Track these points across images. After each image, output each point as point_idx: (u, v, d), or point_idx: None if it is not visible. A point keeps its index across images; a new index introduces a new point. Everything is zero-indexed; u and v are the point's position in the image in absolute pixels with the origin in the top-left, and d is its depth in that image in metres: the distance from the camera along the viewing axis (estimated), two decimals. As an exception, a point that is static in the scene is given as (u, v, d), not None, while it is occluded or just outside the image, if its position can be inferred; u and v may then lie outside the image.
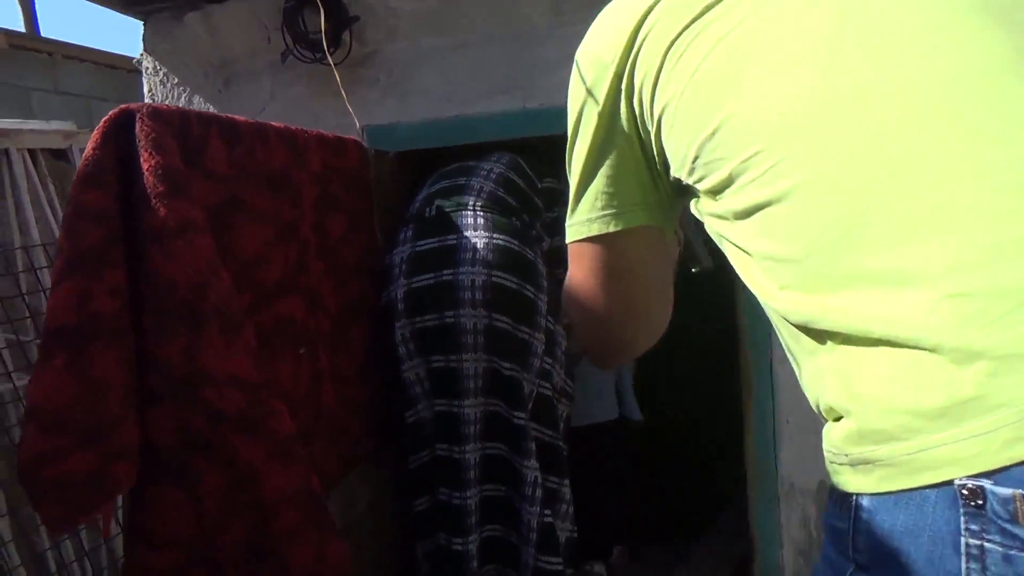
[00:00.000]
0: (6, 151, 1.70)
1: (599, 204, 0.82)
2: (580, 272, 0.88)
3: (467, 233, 1.91)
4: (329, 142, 1.80)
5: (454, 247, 1.89)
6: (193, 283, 1.21)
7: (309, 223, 1.69)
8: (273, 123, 1.59)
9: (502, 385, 1.86)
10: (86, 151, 1.22)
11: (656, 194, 0.82)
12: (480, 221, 1.92)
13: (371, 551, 1.91)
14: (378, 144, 2.12)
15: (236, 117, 1.47)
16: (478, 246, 1.88)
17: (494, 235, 1.89)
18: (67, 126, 1.88)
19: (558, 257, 2.01)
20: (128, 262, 1.22)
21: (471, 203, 1.96)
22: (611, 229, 0.82)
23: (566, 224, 0.86)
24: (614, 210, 0.82)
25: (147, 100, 2.27)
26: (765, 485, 2.09)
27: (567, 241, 0.86)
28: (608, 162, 0.81)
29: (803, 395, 1.95)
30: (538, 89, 2.09)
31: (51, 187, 1.79)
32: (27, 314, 1.61)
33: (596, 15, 0.84)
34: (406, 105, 2.18)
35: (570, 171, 0.85)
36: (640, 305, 0.90)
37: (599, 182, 0.82)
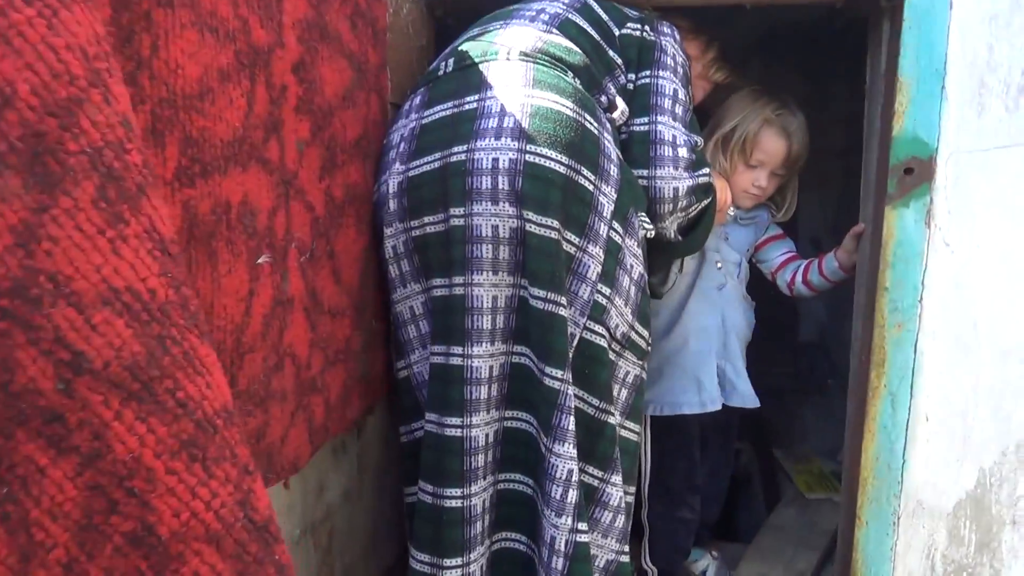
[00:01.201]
0: None
1: None
2: None
3: (493, 92, 1.25)
4: (330, -59, 1.16)
5: (472, 113, 1.25)
6: (50, 97, 0.60)
7: (290, 59, 1.06)
8: None
9: (532, 323, 1.22)
10: None
11: None
12: (515, 73, 1.26)
13: (345, 556, 1.34)
14: (397, -19, 1.48)
15: None
16: (507, 108, 1.22)
17: (534, 92, 1.24)
18: None
19: (644, 142, 1.39)
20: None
21: (504, 50, 1.30)
22: None
23: None
24: None
25: None
26: (883, 498, 1.55)
27: None
28: None
29: (954, 385, 1.37)
30: (636, -82, 1.46)
31: None
32: None
33: None
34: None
35: None
36: None
37: None
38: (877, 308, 1.49)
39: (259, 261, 0.99)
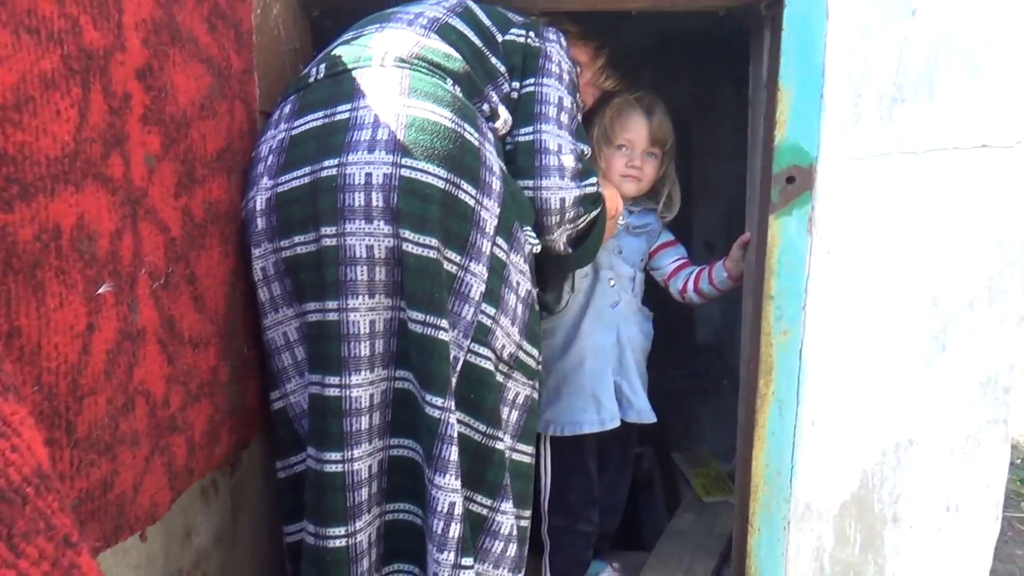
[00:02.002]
0: None
1: None
2: None
3: (366, 101, 1.17)
4: (180, -65, 1.05)
5: (343, 124, 1.17)
6: None
7: (134, 64, 0.95)
8: None
9: (412, 348, 1.15)
10: None
11: None
12: (390, 81, 1.19)
13: (218, 605, 1.23)
14: (265, -20, 1.38)
15: None
16: (381, 119, 1.15)
17: (410, 102, 1.17)
18: None
19: (529, 151, 1.33)
20: None
21: (379, 56, 1.23)
22: None
23: None
24: None
25: None
26: (773, 504, 1.57)
27: None
28: None
29: (838, 390, 1.40)
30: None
31: None
32: None
33: None
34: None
35: None
36: None
37: None
38: (763, 316, 1.50)
39: (99, 291, 0.88)
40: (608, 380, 1.76)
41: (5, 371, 0.58)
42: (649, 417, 1.80)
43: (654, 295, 1.96)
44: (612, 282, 1.79)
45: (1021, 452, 3.90)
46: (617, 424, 1.76)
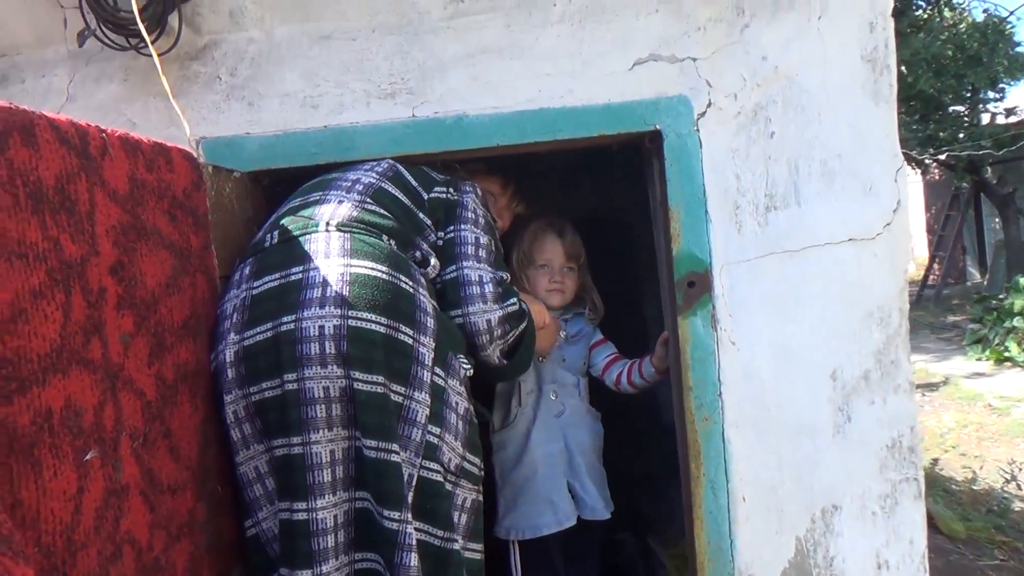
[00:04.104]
0: None
1: None
2: None
3: (315, 262, 1.38)
4: (141, 148, 1.27)
5: (297, 283, 1.37)
6: None
7: (107, 263, 1.15)
8: (45, 112, 1.06)
9: (368, 471, 1.32)
10: None
11: None
12: (334, 244, 1.40)
13: None
14: (220, 162, 1.61)
15: (-29, 96, 0.94)
16: (329, 279, 1.35)
17: (352, 261, 1.37)
18: None
19: (455, 285, 1.55)
20: None
21: (323, 222, 1.45)
22: None
23: None
24: None
25: None
26: (720, 579, 1.70)
27: None
28: None
29: (761, 466, 1.57)
30: (431, 93, 1.67)
31: None
32: None
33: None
34: (257, 112, 1.69)
35: None
36: None
37: None
38: (685, 405, 1.68)
39: (87, 458, 1.05)
40: (561, 483, 1.93)
41: (16, 540, 0.75)
42: (602, 515, 1.96)
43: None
44: (554, 395, 1.98)
45: (995, 498, 4.03)
46: (573, 522, 1.91)
